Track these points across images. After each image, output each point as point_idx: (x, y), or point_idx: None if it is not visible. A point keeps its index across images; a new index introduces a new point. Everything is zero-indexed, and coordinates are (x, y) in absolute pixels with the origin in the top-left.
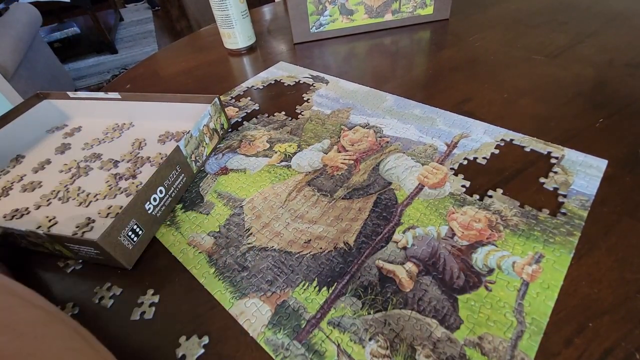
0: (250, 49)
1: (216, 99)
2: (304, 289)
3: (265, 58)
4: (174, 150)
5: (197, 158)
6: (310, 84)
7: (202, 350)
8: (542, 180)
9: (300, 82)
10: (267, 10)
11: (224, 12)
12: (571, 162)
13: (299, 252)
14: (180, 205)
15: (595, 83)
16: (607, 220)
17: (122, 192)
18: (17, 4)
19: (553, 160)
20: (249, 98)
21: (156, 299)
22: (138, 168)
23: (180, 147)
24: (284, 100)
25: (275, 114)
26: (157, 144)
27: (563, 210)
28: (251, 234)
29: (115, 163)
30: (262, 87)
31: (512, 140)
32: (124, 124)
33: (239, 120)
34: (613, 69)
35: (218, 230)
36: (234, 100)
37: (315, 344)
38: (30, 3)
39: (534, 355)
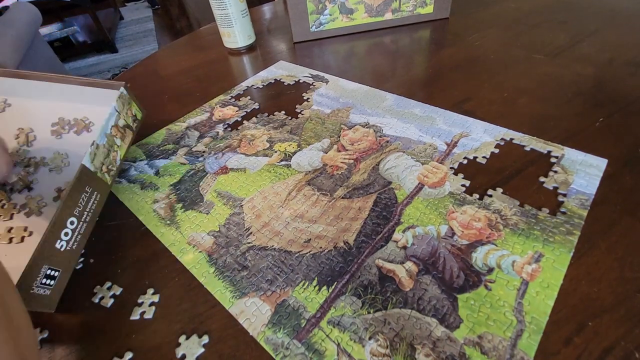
0: (250, 48)
1: (122, 89)
2: (304, 288)
3: (265, 57)
4: (79, 171)
5: (110, 167)
6: (310, 83)
7: (202, 350)
8: (542, 179)
9: (300, 81)
10: (266, 9)
11: (223, 11)
12: (571, 162)
13: (298, 252)
14: (180, 205)
15: (595, 82)
16: (607, 219)
17: (20, 212)
18: (18, 2)
19: (553, 160)
20: (249, 97)
21: (156, 298)
22: (32, 174)
23: (86, 165)
24: (283, 100)
25: (275, 113)
26: (50, 138)
27: (563, 210)
28: (251, 233)
29: None
30: (261, 86)
31: (512, 139)
32: None
33: (239, 119)
34: (613, 68)
35: (218, 229)
36: (233, 100)
37: (315, 343)
38: (30, 2)
39: (533, 354)
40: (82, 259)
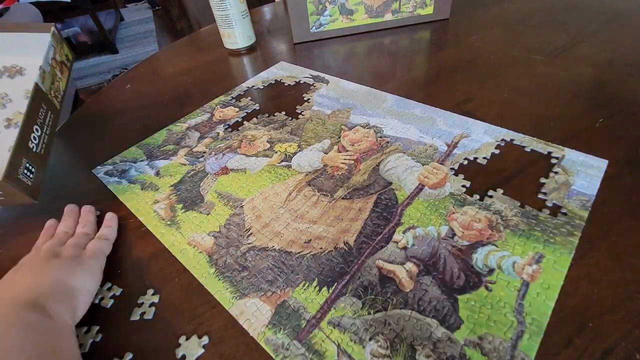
0: (250, 49)
1: (53, 29)
2: (304, 289)
3: (266, 58)
4: (34, 89)
5: (56, 94)
6: (311, 83)
7: (202, 350)
8: (542, 180)
9: (301, 82)
10: (267, 10)
11: (223, 12)
12: (571, 162)
13: (299, 252)
14: (180, 205)
15: (595, 83)
16: (608, 220)
17: None
18: (18, 4)
19: (553, 161)
20: (249, 98)
21: (156, 299)
22: None
23: (39, 84)
24: (284, 100)
25: (275, 114)
26: None
27: (563, 211)
28: (251, 233)
29: None
30: (262, 87)
31: (512, 140)
32: None
33: (239, 120)
34: (613, 68)
35: (218, 230)
36: (234, 100)
37: (315, 344)
38: (31, 3)
39: (534, 355)
40: None
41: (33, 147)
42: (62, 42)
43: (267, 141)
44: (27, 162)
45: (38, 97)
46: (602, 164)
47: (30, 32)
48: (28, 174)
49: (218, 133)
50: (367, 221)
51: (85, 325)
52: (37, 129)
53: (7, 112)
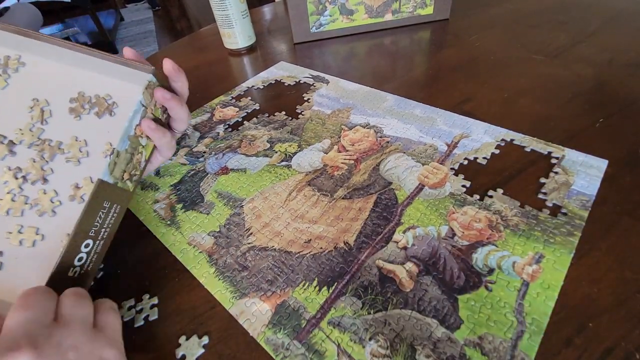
0: (250, 49)
1: (151, 76)
2: (304, 289)
3: (266, 58)
4: (96, 188)
5: (133, 172)
6: (311, 83)
7: (202, 350)
8: (542, 180)
9: (301, 82)
10: (267, 10)
11: (224, 12)
12: (572, 162)
13: (299, 252)
14: (180, 205)
15: (595, 83)
16: (608, 220)
17: (31, 208)
18: (18, 3)
19: (553, 161)
20: (249, 98)
21: (156, 299)
22: (47, 163)
23: (105, 179)
24: (284, 100)
25: (275, 114)
26: (68, 117)
27: (564, 211)
28: (251, 233)
29: (11, 145)
30: (262, 87)
31: (512, 140)
32: (10, 59)
33: (240, 120)
34: (613, 68)
35: (218, 230)
36: (234, 100)
37: (315, 343)
38: (31, 3)
39: (534, 355)
40: None
41: (75, 272)
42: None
43: (267, 141)
44: None
45: (99, 198)
46: (602, 164)
47: (127, 67)
48: None
49: (218, 133)
50: (367, 221)
51: None
52: (86, 245)
53: (77, 175)
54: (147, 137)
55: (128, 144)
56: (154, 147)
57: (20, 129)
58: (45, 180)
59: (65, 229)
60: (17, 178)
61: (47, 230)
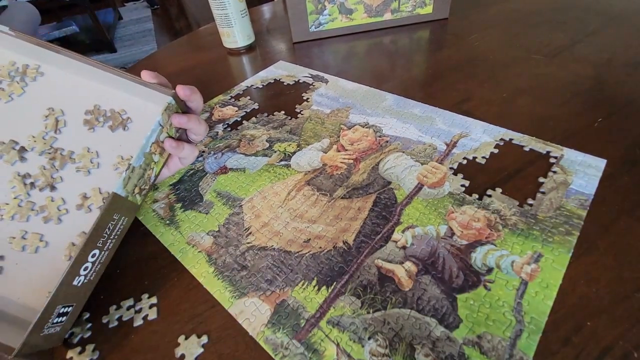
0: (249, 48)
1: (170, 99)
2: (303, 288)
3: (265, 57)
4: (110, 201)
5: (143, 186)
6: (310, 83)
7: (201, 350)
8: (541, 179)
9: (300, 81)
10: (266, 9)
11: (223, 11)
12: (570, 162)
13: (298, 252)
14: (179, 205)
15: (594, 83)
16: (606, 219)
17: (37, 214)
18: (16, 2)
19: (552, 160)
20: (248, 97)
21: (155, 299)
22: (57, 171)
23: (118, 192)
24: (283, 100)
25: (274, 113)
26: (82, 128)
27: (562, 210)
28: (250, 233)
29: (22, 152)
30: (261, 86)
31: (511, 139)
32: (29, 67)
33: (238, 119)
34: (612, 68)
35: (217, 229)
36: (233, 100)
37: (314, 343)
38: (29, 1)
39: (532, 354)
40: None
41: (80, 281)
42: (177, 112)
43: (266, 140)
44: (63, 306)
45: (111, 210)
46: (600, 164)
47: (146, 87)
48: (59, 320)
49: (217, 132)
50: (366, 220)
51: (80, 326)
52: (93, 255)
53: (86, 185)
54: (160, 153)
55: (143, 160)
56: (165, 161)
57: (34, 136)
58: (53, 187)
59: (70, 238)
60: (25, 184)
61: (52, 238)
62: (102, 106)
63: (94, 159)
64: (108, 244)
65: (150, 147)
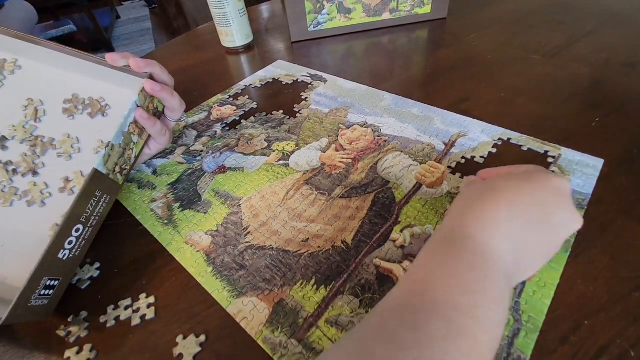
0: (247, 48)
1: (145, 81)
2: (302, 288)
3: (263, 56)
4: (91, 176)
5: (124, 166)
6: (309, 82)
7: (200, 349)
8: None
9: (298, 80)
10: (264, 8)
11: (221, 10)
12: (568, 162)
13: (296, 251)
14: (177, 204)
15: (591, 82)
16: (603, 219)
17: (21, 199)
18: (13, 0)
19: (550, 160)
20: (247, 97)
21: (153, 298)
22: (38, 157)
23: (99, 169)
24: (282, 99)
25: (273, 113)
26: (61, 116)
27: None
28: (249, 232)
29: (3, 140)
30: (260, 85)
31: (509, 139)
32: (6, 62)
33: (237, 118)
34: (609, 68)
35: (216, 229)
36: (231, 99)
37: (313, 342)
38: (26, 0)
39: (530, 353)
40: None
41: (65, 255)
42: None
43: (265, 140)
44: (49, 279)
45: (92, 186)
46: (598, 163)
47: (123, 72)
48: (47, 292)
49: (215, 132)
50: (365, 220)
51: (77, 326)
52: (77, 229)
53: (68, 169)
54: (139, 134)
55: (122, 139)
56: (144, 143)
57: (14, 126)
58: (35, 173)
59: (54, 220)
60: (7, 171)
61: (36, 220)
62: (81, 95)
63: (74, 144)
64: (91, 220)
65: (129, 126)
